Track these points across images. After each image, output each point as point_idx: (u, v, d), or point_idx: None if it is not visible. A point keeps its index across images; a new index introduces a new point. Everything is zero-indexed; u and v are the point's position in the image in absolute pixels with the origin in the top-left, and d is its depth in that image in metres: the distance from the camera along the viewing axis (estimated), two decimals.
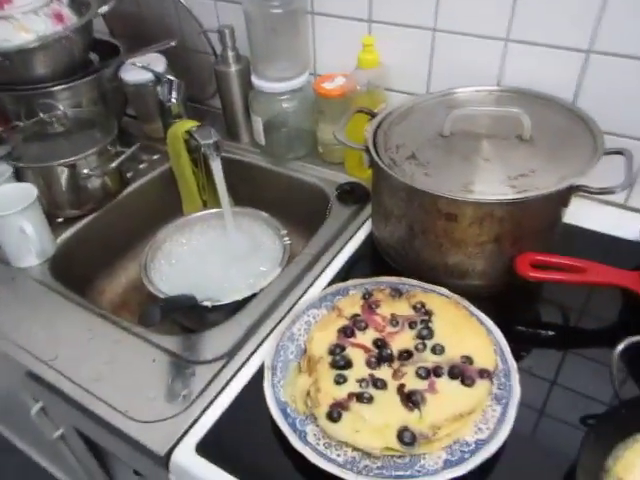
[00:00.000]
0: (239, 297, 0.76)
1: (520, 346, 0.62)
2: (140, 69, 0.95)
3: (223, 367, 0.63)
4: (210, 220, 0.94)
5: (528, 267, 0.63)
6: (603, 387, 0.57)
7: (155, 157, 1.04)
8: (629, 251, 0.73)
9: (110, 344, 0.66)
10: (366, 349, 0.58)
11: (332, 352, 0.58)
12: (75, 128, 0.91)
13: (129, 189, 0.97)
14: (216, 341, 0.67)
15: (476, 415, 0.53)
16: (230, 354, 0.65)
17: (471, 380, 0.54)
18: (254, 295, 0.75)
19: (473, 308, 0.63)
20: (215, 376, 0.62)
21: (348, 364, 0.56)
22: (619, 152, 0.65)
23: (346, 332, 0.60)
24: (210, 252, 0.90)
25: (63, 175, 0.84)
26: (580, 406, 0.57)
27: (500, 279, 0.68)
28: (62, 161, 0.83)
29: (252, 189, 1.02)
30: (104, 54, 1.04)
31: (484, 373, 0.55)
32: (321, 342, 0.60)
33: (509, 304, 0.69)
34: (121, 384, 0.61)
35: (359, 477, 0.49)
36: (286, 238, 0.87)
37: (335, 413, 0.52)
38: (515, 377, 0.56)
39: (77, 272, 0.88)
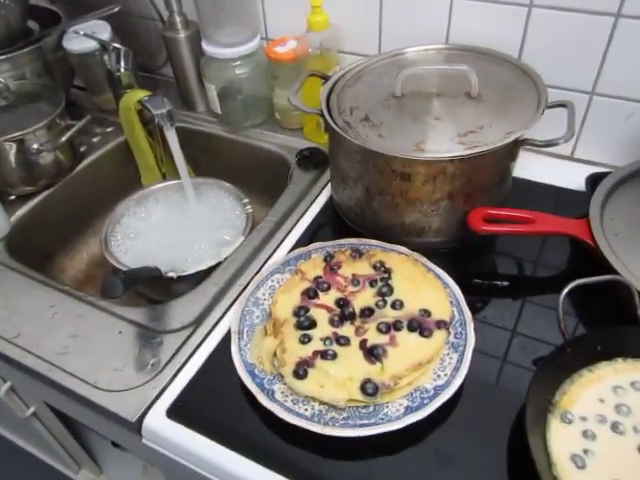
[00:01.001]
0: (204, 267, 0.77)
1: (476, 297, 0.66)
2: (84, 37, 0.91)
3: (190, 335, 0.64)
4: (170, 192, 0.94)
5: (480, 221, 0.66)
6: (553, 330, 0.61)
7: (109, 129, 1.02)
8: (575, 201, 0.76)
9: (74, 319, 0.66)
10: (329, 309, 0.60)
11: (296, 314, 0.60)
12: (20, 102, 0.87)
13: (84, 163, 0.95)
14: (182, 310, 0.67)
15: (434, 363, 0.56)
16: (197, 322, 0.66)
17: (429, 331, 0.57)
18: (219, 264, 0.76)
19: (430, 264, 0.65)
20: (183, 344, 0.63)
21: (312, 324, 0.58)
22: (562, 105, 0.68)
23: (309, 294, 0.62)
24: (172, 224, 0.90)
25: (11, 151, 0.82)
26: (532, 349, 0.61)
27: (455, 235, 0.71)
28: (9, 136, 0.80)
29: (212, 159, 1.02)
30: (44, 22, 1.00)
31: (441, 324, 0.57)
32: (285, 305, 0.61)
33: (465, 258, 0.72)
34: (88, 357, 0.62)
35: (325, 428, 0.51)
36: (248, 206, 0.87)
37: (301, 370, 0.54)
38: (470, 326, 0.59)
39: (35, 250, 0.86)
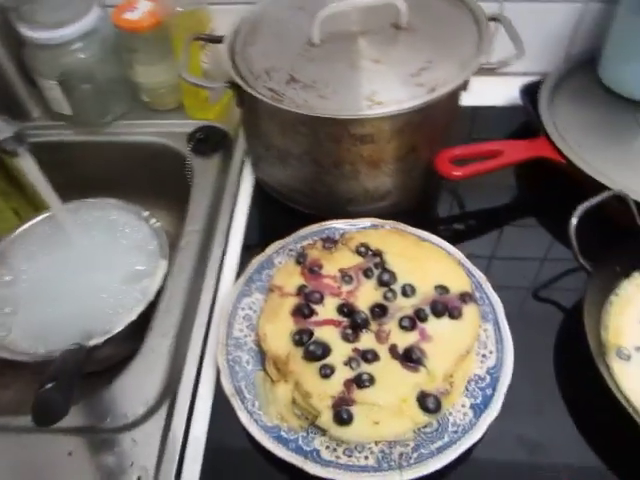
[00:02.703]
0: (133, 316, 0.60)
1: (466, 247, 0.59)
2: None
3: (169, 415, 0.48)
4: (39, 233, 0.71)
5: (449, 166, 0.58)
6: (554, 249, 0.60)
7: None
8: (514, 117, 0.72)
9: (3, 454, 0.46)
10: (335, 323, 0.49)
11: (299, 342, 0.47)
12: None
13: None
14: (139, 384, 0.51)
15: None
16: (168, 393, 0.50)
17: (457, 310, 0.48)
18: (153, 306, 0.59)
19: (415, 230, 0.57)
20: (165, 432, 0.47)
21: (326, 350, 0.46)
22: (494, 19, 0.61)
23: (303, 312, 0.49)
24: (60, 273, 0.68)
25: None
26: (545, 272, 0.58)
27: (419, 189, 0.63)
28: None
29: (74, 173, 0.79)
30: None
31: (465, 297, 0.49)
32: (278, 336, 0.48)
33: (432, 209, 0.65)
34: None
35: (404, 473, 0.41)
36: (153, 220, 0.70)
37: (344, 414, 0.43)
38: (488, 286, 0.52)
39: None
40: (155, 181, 0.77)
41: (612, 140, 0.64)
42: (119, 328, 0.59)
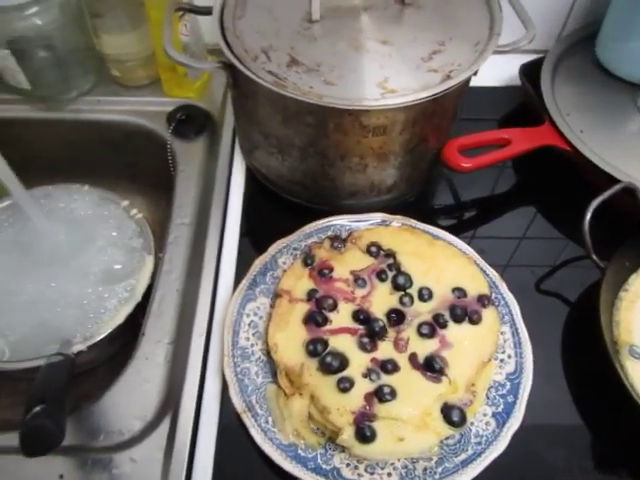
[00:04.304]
0: (120, 320, 0.55)
1: (472, 238, 0.57)
2: None
3: (172, 431, 0.45)
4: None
5: (459, 157, 0.56)
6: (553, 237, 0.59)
7: None
8: (509, 98, 0.70)
9: None
10: (351, 331, 0.46)
11: (313, 352, 0.44)
12: None
13: None
14: (133, 396, 0.47)
15: None
16: (166, 407, 0.46)
17: (477, 314, 0.47)
18: (141, 308, 0.54)
19: (429, 227, 0.54)
20: (169, 450, 0.44)
21: (344, 361, 0.44)
22: None
23: (316, 320, 0.46)
24: (24, 274, 0.60)
25: None
26: (546, 262, 0.57)
27: (424, 180, 0.60)
28: None
29: (35, 156, 0.71)
30: None
31: (484, 299, 0.47)
32: (290, 345, 0.45)
33: (432, 201, 0.62)
34: None
35: None
36: (134, 211, 0.64)
37: (366, 430, 0.41)
38: (503, 286, 0.51)
39: None
40: (128, 166, 0.70)
41: (612, 125, 0.63)
42: (104, 333, 0.54)
